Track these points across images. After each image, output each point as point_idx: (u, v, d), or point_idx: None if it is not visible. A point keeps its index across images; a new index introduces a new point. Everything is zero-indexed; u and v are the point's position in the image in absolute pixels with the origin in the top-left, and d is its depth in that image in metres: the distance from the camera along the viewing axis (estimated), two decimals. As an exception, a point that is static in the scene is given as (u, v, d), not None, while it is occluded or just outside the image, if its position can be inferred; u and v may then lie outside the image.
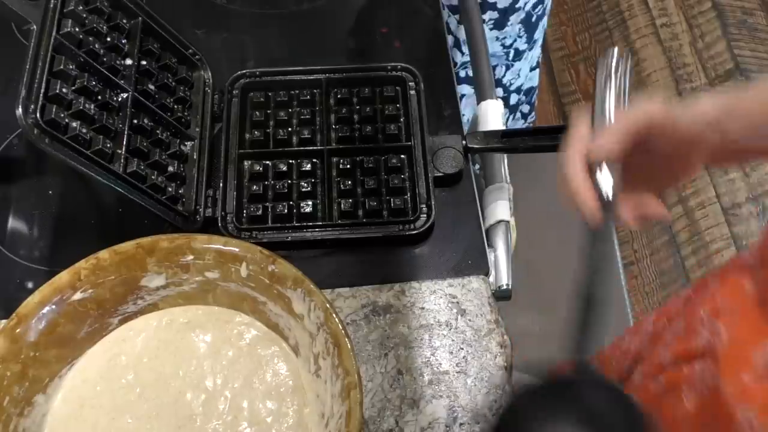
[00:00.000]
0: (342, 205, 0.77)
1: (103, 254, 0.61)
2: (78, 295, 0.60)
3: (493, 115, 0.85)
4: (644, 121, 0.49)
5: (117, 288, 0.62)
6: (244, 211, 0.76)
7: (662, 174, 0.55)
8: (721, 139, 0.50)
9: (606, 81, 0.50)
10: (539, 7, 1.24)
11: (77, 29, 0.69)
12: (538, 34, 1.33)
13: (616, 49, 0.52)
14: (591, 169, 0.48)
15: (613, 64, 0.51)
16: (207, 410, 0.63)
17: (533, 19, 1.25)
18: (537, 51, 1.41)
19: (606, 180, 0.48)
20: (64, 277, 0.59)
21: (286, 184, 0.78)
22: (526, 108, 1.56)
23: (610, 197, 0.48)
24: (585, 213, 0.48)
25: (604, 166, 0.48)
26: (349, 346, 0.55)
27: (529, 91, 1.51)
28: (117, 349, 0.63)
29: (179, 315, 0.67)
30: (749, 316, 0.53)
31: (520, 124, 1.58)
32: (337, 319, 0.56)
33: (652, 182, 0.55)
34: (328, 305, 0.57)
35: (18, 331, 0.57)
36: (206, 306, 0.67)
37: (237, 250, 0.62)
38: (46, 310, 0.58)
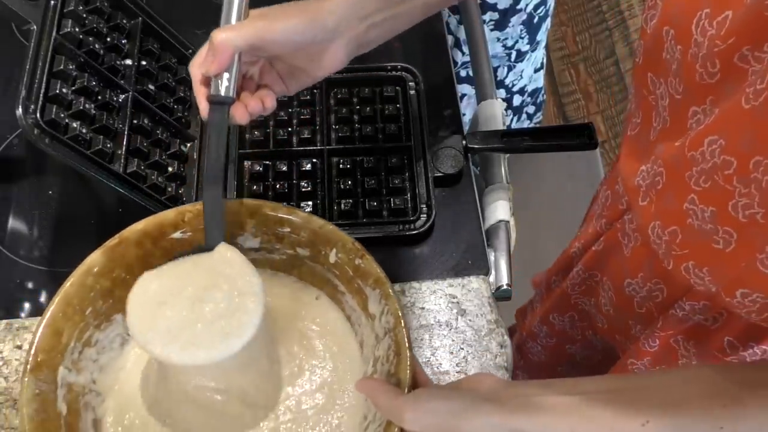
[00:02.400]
0: (342, 205, 0.77)
1: None
2: (177, 234, 0.61)
3: (493, 115, 0.85)
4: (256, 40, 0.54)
5: None
6: (244, 211, 0.76)
7: (306, 68, 0.59)
8: None
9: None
10: (541, 8, 1.23)
11: (77, 29, 0.69)
12: (541, 36, 1.32)
13: None
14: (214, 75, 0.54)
15: None
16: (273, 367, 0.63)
17: (535, 20, 1.25)
18: (540, 53, 1.40)
19: (221, 83, 0.55)
20: (170, 214, 0.61)
21: (286, 184, 0.78)
22: (531, 109, 1.56)
23: (221, 97, 0.55)
24: (201, 109, 0.57)
25: (225, 73, 0.54)
26: (409, 360, 0.54)
27: (534, 93, 1.51)
28: None
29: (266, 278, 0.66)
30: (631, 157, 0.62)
31: (526, 125, 1.58)
32: (404, 330, 0.56)
33: (292, 79, 0.60)
34: (400, 313, 0.57)
35: (117, 251, 0.59)
36: (292, 277, 0.68)
37: (331, 235, 0.62)
38: (145, 239, 0.61)
